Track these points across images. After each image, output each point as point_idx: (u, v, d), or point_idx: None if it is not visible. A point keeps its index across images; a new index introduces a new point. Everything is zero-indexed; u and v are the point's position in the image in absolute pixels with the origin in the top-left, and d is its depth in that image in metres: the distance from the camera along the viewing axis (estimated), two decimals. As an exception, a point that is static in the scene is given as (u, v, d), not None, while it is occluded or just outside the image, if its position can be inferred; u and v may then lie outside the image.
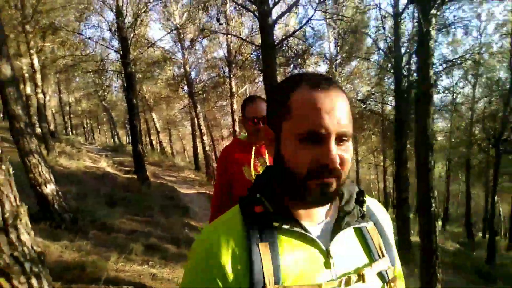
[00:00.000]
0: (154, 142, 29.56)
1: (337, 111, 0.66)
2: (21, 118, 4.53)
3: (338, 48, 14.86)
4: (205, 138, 16.90)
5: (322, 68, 14.88)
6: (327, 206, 0.76)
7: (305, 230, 0.71)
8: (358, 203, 0.78)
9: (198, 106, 16.03)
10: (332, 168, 0.66)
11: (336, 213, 0.77)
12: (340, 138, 0.67)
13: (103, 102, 25.34)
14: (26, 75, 12.85)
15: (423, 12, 5.12)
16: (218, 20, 9.64)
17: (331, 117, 0.65)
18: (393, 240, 0.83)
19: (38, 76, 11.56)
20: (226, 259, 0.67)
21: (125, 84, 11.86)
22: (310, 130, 0.65)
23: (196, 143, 20.32)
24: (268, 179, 0.78)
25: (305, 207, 0.73)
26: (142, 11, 10.15)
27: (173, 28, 12.80)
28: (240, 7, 7.91)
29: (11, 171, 2.27)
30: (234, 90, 14.15)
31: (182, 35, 13.83)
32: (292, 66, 9.65)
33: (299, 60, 8.40)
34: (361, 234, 0.77)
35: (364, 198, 0.78)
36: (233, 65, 12.83)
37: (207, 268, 0.68)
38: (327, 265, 0.70)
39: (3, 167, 2.20)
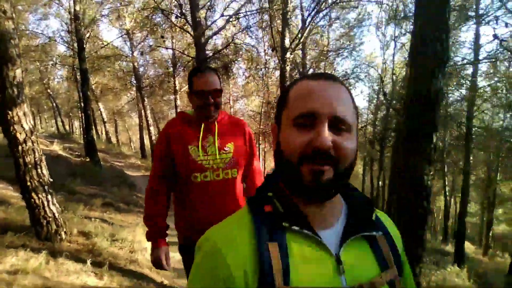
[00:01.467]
0: (99, 132, 30.31)
1: (329, 95, 0.66)
2: None
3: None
4: (151, 128, 18.57)
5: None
6: (338, 211, 0.76)
7: (315, 233, 0.69)
8: (367, 212, 0.76)
9: (146, 99, 17.66)
10: (324, 153, 0.64)
11: (346, 219, 0.76)
12: (337, 126, 0.66)
13: (48, 90, 25.80)
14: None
15: None
16: (162, 37, 11.55)
17: (322, 100, 0.66)
18: (402, 249, 0.81)
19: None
20: (233, 258, 0.66)
21: (78, 77, 13.30)
22: (302, 113, 0.66)
23: (143, 134, 21.86)
24: (278, 177, 0.77)
25: (315, 206, 0.72)
26: (97, 15, 11.70)
27: (123, 33, 14.39)
28: (180, 29, 9.86)
29: None
30: (178, 87, 16.06)
31: (132, 36, 15.40)
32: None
33: (222, 70, 10.44)
34: (370, 243, 0.75)
35: (373, 208, 0.77)
36: (178, 65, 14.70)
37: (213, 267, 0.67)
38: (337, 271, 0.68)
39: None
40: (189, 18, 9.05)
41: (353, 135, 0.69)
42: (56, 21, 16.00)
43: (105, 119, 26.27)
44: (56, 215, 4.61)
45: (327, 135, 0.65)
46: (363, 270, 0.71)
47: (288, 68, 8.23)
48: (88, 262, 4.19)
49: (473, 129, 13.73)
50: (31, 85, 29.37)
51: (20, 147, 4.29)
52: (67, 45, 13.38)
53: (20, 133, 4.28)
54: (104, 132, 27.18)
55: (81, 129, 20.89)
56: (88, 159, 12.36)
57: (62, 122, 32.30)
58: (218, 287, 0.66)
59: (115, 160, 17.29)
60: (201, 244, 0.73)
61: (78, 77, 14.15)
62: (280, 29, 8.55)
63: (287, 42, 8.18)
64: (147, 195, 1.98)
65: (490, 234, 19.70)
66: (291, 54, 8.14)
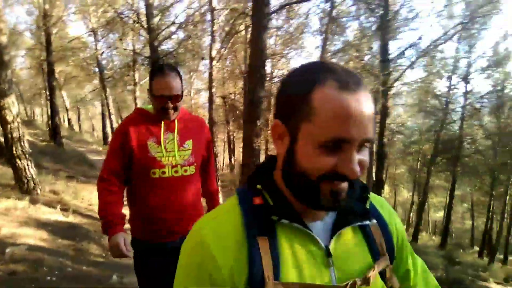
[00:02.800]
0: (61, 119, 31.04)
1: (366, 118, 0.61)
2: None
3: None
4: (113, 117, 20.01)
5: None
6: None
7: (305, 226, 0.68)
8: (360, 200, 0.73)
9: (108, 90, 19.08)
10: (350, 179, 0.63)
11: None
12: (362, 145, 0.63)
13: (13, 78, 26.32)
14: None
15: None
16: (120, 39, 13.16)
17: (359, 125, 0.60)
18: (401, 237, 0.81)
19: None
20: (221, 252, 0.64)
21: (44, 68, 14.62)
22: (336, 138, 0.60)
23: (105, 122, 23.20)
24: (269, 170, 0.75)
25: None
26: (65, 14, 13.12)
27: (89, 31, 15.80)
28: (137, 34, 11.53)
29: None
30: (137, 80, 17.66)
31: (96, 31, 16.76)
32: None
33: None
34: (363, 232, 0.74)
35: (367, 195, 0.74)
36: (137, 60, 16.28)
37: (200, 261, 0.66)
38: (327, 263, 0.68)
39: None
40: (144, 23, 10.81)
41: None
42: (24, 14, 17.00)
43: (68, 107, 27.18)
44: (34, 176, 6.39)
45: (357, 163, 0.61)
46: (354, 262, 0.70)
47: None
48: (58, 207, 6.03)
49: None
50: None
51: (8, 126, 6.03)
52: (35, 38, 14.62)
53: (9, 116, 6.01)
54: (66, 120, 28.05)
55: (46, 116, 21.89)
56: (52, 143, 13.81)
57: (25, 108, 32.68)
58: (204, 280, 0.65)
59: (77, 146, 18.67)
60: (189, 238, 0.71)
61: (44, 67, 15.42)
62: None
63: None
64: (98, 188, 1.88)
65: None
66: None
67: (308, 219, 0.70)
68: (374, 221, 0.74)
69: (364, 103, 0.61)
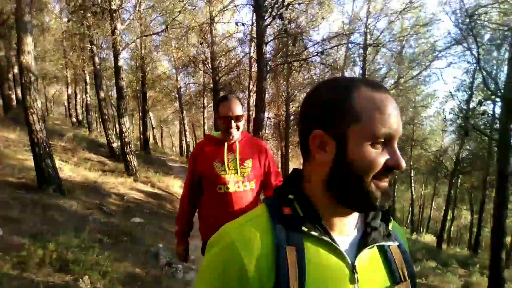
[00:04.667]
0: (148, 136, 37.42)
1: (398, 114, 0.66)
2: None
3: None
4: (187, 134, 24.78)
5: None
6: (356, 219, 0.75)
7: (333, 240, 0.69)
8: (383, 221, 0.75)
9: (184, 111, 23.83)
10: (397, 171, 0.66)
11: (363, 227, 0.75)
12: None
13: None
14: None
15: None
16: (193, 76, 17.68)
17: (398, 120, 0.65)
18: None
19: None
20: (248, 258, 0.65)
21: (140, 96, 19.58)
22: (386, 133, 0.64)
23: (181, 137, 28.29)
24: (299, 181, 0.76)
25: (339, 214, 0.71)
26: (155, 58, 18.03)
27: (172, 67, 20.81)
28: (205, 71, 15.62)
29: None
30: (206, 104, 22.17)
31: (176, 65, 21.61)
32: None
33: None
34: (384, 254, 0.74)
35: (390, 217, 0.76)
36: (206, 89, 20.67)
37: (227, 265, 0.67)
38: (352, 280, 0.68)
39: None
40: (209, 64, 14.92)
41: None
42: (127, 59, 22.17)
43: (154, 126, 32.98)
44: (136, 166, 10.52)
45: (401, 156, 0.65)
46: (376, 281, 0.70)
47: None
48: (149, 184, 10.03)
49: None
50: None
51: (123, 134, 10.17)
52: (134, 74, 19.78)
53: (124, 129, 10.18)
54: (152, 136, 33.91)
55: (138, 131, 27.46)
56: (143, 152, 18.52)
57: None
58: (229, 282, 0.66)
59: (160, 155, 23.63)
60: (216, 240, 0.72)
61: (139, 95, 20.50)
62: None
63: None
64: (180, 201, 2.42)
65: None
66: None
67: (337, 234, 0.71)
68: (397, 243, 0.75)
69: (394, 101, 0.66)
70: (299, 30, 8.11)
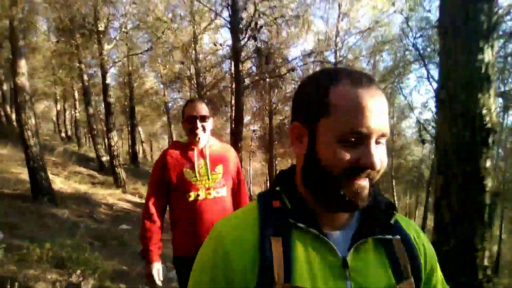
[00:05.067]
0: (138, 150, 37.69)
1: (381, 111, 0.62)
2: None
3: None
4: (176, 147, 25.29)
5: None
6: (351, 213, 0.72)
7: (322, 233, 0.67)
8: (385, 214, 0.72)
9: (172, 125, 24.37)
10: (371, 171, 0.62)
11: (359, 220, 0.72)
12: (378, 140, 0.64)
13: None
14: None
15: None
16: (179, 91, 18.38)
17: (374, 117, 0.61)
18: (430, 262, 0.75)
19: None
20: (234, 250, 0.66)
21: (128, 111, 20.12)
22: (354, 130, 0.61)
23: (170, 151, 28.72)
24: (290, 174, 0.76)
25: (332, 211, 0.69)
26: (142, 74, 18.66)
27: (159, 82, 21.46)
28: (190, 86, 16.38)
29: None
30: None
31: (164, 80, 22.27)
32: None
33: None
34: (386, 250, 0.70)
35: (393, 211, 0.73)
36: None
37: (214, 257, 0.68)
38: (342, 275, 0.65)
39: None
40: (194, 80, 15.60)
41: (385, 143, 0.66)
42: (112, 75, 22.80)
43: (143, 140, 33.39)
44: (124, 178, 11.04)
45: (376, 155, 0.61)
46: (374, 279, 0.66)
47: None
48: (136, 195, 10.52)
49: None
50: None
51: (112, 148, 10.73)
52: (121, 90, 20.36)
53: (112, 142, 10.74)
54: (141, 151, 34.23)
55: (127, 145, 27.82)
56: (132, 165, 18.99)
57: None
58: (217, 274, 0.66)
59: (149, 168, 24.03)
60: (208, 236, 0.73)
61: (127, 110, 21.04)
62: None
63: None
64: (142, 217, 2.13)
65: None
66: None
67: (328, 228, 0.69)
68: (398, 237, 0.70)
69: (377, 98, 0.62)
70: (271, 50, 8.85)
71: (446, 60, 2.01)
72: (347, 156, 0.62)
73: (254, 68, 10.79)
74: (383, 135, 0.63)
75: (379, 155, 0.63)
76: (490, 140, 1.87)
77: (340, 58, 12.82)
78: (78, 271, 4.22)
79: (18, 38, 6.81)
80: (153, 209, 2.13)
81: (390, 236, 0.70)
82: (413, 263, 0.70)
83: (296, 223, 0.67)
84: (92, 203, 8.45)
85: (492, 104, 1.83)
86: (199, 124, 2.09)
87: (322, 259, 0.66)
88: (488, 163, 1.86)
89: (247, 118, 21.95)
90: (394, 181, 22.22)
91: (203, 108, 2.13)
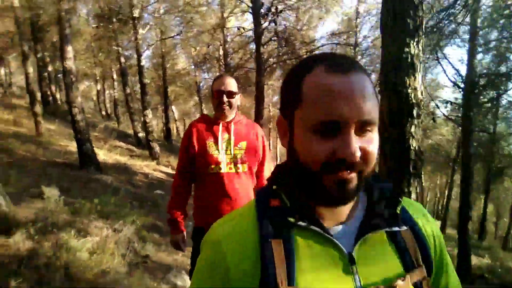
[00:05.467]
0: (172, 129, 39.36)
1: (357, 97, 0.57)
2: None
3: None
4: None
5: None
6: (351, 205, 0.67)
7: (324, 229, 0.63)
8: (390, 204, 0.68)
9: (203, 104, 25.45)
10: (351, 163, 0.58)
11: (364, 213, 0.68)
12: (362, 128, 0.59)
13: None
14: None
15: None
16: (208, 72, 19.20)
17: (349, 103, 0.56)
18: (439, 247, 0.72)
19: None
20: (232, 254, 0.63)
21: (161, 90, 21.29)
22: (324, 120, 0.57)
23: (202, 129, 29.95)
24: (287, 171, 0.70)
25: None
26: (174, 54, 19.61)
27: (190, 63, 22.40)
28: (219, 67, 17.28)
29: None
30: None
31: (196, 61, 23.21)
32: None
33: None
34: (393, 239, 0.67)
35: (399, 199, 0.69)
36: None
37: (212, 264, 0.65)
38: (349, 271, 0.62)
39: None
40: (222, 61, 16.37)
41: (375, 133, 0.61)
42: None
43: (177, 118, 34.82)
44: (158, 152, 12.14)
45: (354, 144, 0.57)
46: (382, 271, 0.63)
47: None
48: (169, 167, 11.60)
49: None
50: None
51: (147, 125, 11.79)
52: (155, 71, 21.51)
53: (148, 119, 11.79)
54: (175, 129, 35.76)
55: (161, 124, 29.32)
56: (165, 142, 20.25)
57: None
58: (216, 279, 0.64)
59: (182, 145, 25.43)
60: (205, 239, 0.70)
61: (161, 90, 22.22)
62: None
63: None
64: (173, 184, 2.30)
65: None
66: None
67: (330, 223, 0.65)
68: (405, 227, 0.66)
69: (355, 83, 0.58)
70: (290, 34, 9.36)
71: (383, 51, 2.60)
72: (322, 148, 0.58)
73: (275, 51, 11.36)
74: (366, 123, 0.58)
75: (363, 145, 0.58)
76: (414, 112, 2.47)
77: (360, 40, 13.11)
78: (121, 222, 5.22)
79: (64, 27, 7.80)
80: (179, 181, 2.26)
81: (397, 228, 0.66)
82: (423, 252, 0.67)
83: (296, 222, 0.63)
84: (131, 172, 9.58)
85: (417, 84, 2.43)
86: (225, 99, 2.12)
87: (326, 257, 0.62)
88: (413, 129, 2.48)
89: (275, 98, 22.52)
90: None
91: (230, 84, 2.14)
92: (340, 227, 0.66)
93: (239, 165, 2.18)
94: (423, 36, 2.44)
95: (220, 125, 2.18)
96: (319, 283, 0.60)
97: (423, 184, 24.09)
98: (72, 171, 7.90)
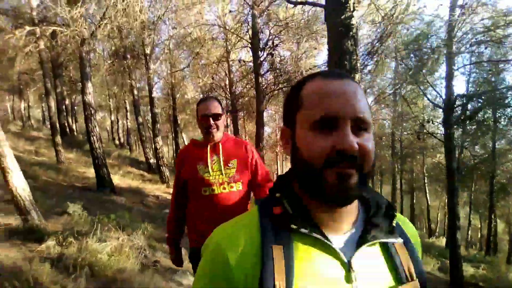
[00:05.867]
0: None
1: (350, 96, 0.64)
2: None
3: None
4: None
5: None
6: (353, 216, 0.71)
7: (325, 237, 0.66)
8: (387, 217, 0.72)
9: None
10: (351, 156, 0.61)
11: (362, 225, 0.71)
12: (358, 126, 0.64)
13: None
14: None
15: None
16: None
17: (344, 101, 0.63)
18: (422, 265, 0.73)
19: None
20: (234, 259, 0.65)
21: (171, 118, 22.41)
22: (323, 116, 0.63)
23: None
24: (289, 179, 0.74)
25: (328, 210, 0.68)
26: (183, 86, 20.88)
27: (199, 92, 23.71)
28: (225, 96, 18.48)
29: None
30: (227, 123, 24.78)
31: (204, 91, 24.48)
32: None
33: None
34: (388, 252, 0.70)
35: (394, 213, 0.73)
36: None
37: (214, 267, 0.67)
38: (348, 279, 0.64)
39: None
40: (228, 90, 17.45)
41: (371, 134, 0.66)
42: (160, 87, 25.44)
43: (186, 144, 35.72)
44: (168, 176, 12.99)
45: (352, 137, 0.61)
46: (377, 280, 0.66)
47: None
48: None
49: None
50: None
51: (157, 151, 12.73)
52: (166, 101, 22.74)
53: (158, 146, 12.73)
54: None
55: (172, 151, 30.37)
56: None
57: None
58: (219, 284, 0.65)
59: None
60: (206, 244, 0.72)
61: (171, 118, 23.39)
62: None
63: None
64: (170, 211, 2.39)
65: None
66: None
67: (331, 231, 0.68)
68: (401, 239, 0.71)
69: (348, 85, 0.64)
70: (284, 64, 10.32)
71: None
72: (323, 143, 0.62)
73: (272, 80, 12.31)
74: (360, 120, 0.63)
75: (361, 142, 0.62)
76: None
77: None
78: (134, 233, 6.00)
79: (85, 65, 8.89)
80: (174, 205, 2.34)
81: (394, 240, 0.69)
82: (416, 264, 0.70)
83: (298, 228, 0.65)
84: (143, 194, 10.42)
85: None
86: (211, 122, 2.13)
87: (326, 264, 0.64)
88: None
89: (276, 122, 23.48)
90: (426, 179, 22.58)
91: (215, 107, 2.16)
92: (341, 236, 0.68)
93: (232, 184, 2.18)
94: (360, 73, 3.25)
95: (208, 147, 2.20)
96: None
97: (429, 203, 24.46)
98: (90, 193, 8.77)
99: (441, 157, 22.17)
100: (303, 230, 0.65)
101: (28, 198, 5.10)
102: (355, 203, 0.70)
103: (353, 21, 3.08)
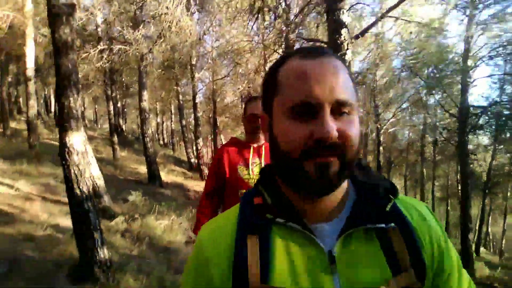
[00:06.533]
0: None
1: (328, 77, 0.57)
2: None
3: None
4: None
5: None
6: (340, 203, 0.65)
7: (304, 226, 0.61)
8: (379, 201, 0.64)
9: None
10: (330, 144, 0.56)
11: (350, 211, 0.64)
12: (339, 110, 0.58)
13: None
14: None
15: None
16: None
17: (321, 85, 0.56)
18: (440, 256, 0.64)
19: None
20: (212, 253, 0.64)
21: (211, 121, 24.03)
22: (298, 102, 0.57)
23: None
24: (272, 170, 0.71)
25: (308, 199, 0.63)
26: (222, 90, 22.42)
27: (237, 96, 25.20)
28: None
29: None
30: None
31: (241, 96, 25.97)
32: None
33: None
34: (380, 240, 0.62)
35: (389, 196, 0.65)
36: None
37: (196, 265, 0.67)
38: (328, 270, 0.59)
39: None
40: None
41: (355, 116, 0.60)
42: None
43: (225, 147, 37.40)
44: (207, 173, 14.42)
45: (331, 124, 0.55)
46: (365, 272, 0.59)
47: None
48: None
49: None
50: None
51: (199, 151, 14.19)
52: (206, 104, 24.43)
53: (199, 146, 14.18)
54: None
55: (211, 152, 32.08)
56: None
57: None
58: (200, 280, 0.65)
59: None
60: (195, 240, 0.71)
61: (210, 120, 25.00)
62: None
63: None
64: (198, 207, 2.25)
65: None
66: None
67: (312, 220, 0.63)
68: (392, 224, 0.62)
69: (326, 64, 0.58)
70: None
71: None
72: (300, 131, 0.57)
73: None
74: (342, 104, 0.57)
75: (341, 127, 0.57)
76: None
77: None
78: (181, 217, 7.38)
79: (143, 77, 10.47)
80: (205, 202, 2.22)
81: (383, 225, 0.61)
82: (414, 255, 0.60)
83: (274, 218, 0.62)
84: (185, 189, 11.90)
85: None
86: (260, 122, 2.76)
87: (305, 254, 0.60)
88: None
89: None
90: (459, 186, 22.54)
91: None
92: (324, 225, 0.63)
93: None
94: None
95: (251, 148, 2.14)
96: (296, 282, 0.58)
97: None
98: (143, 186, 10.32)
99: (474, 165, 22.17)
100: (279, 219, 0.62)
101: (102, 185, 6.56)
102: (343, 188, 0.65)
103: (346, 57, 4.19)
